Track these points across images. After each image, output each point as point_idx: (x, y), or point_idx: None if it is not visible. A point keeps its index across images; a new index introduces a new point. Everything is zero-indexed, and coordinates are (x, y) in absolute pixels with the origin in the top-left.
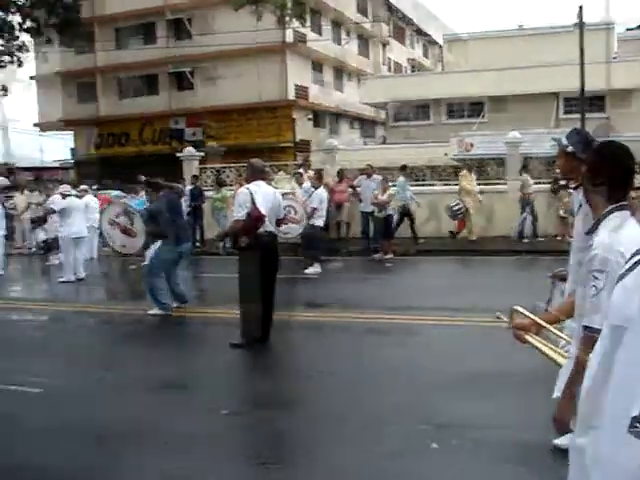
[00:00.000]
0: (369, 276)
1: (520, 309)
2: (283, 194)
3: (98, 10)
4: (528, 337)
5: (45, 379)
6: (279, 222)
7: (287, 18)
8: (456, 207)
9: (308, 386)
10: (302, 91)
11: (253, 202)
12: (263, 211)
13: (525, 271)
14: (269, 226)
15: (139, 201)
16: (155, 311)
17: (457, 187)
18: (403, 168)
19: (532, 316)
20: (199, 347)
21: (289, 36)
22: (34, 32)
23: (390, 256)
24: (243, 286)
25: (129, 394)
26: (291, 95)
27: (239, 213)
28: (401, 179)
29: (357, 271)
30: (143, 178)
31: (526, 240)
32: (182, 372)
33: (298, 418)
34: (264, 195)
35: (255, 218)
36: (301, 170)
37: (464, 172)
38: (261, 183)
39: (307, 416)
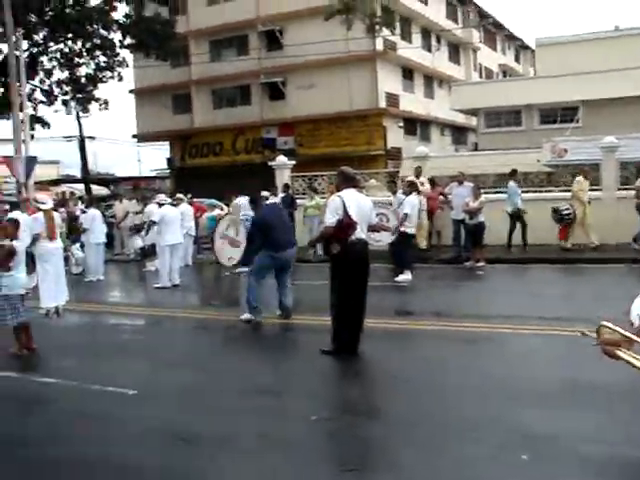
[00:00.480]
0: (460, 284)
1: (608, 325)
2: (375, 202)
3: (193, 24)
4: (620, 352)
5: (141, 381)
6: (371, 229)
7: (377, 27)
8: (566, 211)
9: (397, 393)
10: (393, 99)
11: (345, 209)
12: (354, 218)
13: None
14: (360, 233)
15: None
16: (245, 316)
17: (557, 194)
18: (513, 173)
19: (622, 331)
20: (290, 353)
21: (379, 44)
22: (133, 48)
23: (482, 264)
24: (334, 293)
25: (222, 398)
26: (382, 103)
27: (330, 220)
28: (511, 184)
29: (448, 279)
30: (267, 193)
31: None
32: (273, 377)
33: (386, 425)
34: (356, 202)
35: (346, 225)
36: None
37: (580, 178)
38: (352, 191)
39: (395, 423)
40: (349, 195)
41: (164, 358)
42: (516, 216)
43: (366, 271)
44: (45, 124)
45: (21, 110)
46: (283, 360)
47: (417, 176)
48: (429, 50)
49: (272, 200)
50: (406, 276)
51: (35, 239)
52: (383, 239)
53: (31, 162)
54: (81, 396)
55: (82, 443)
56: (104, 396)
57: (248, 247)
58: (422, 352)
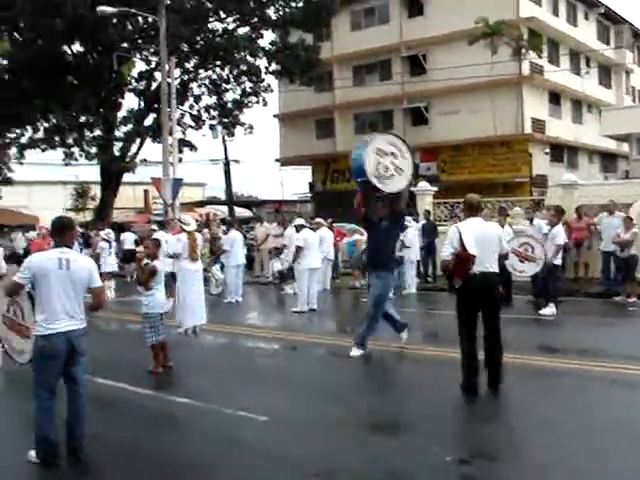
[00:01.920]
0: (609, 320)
1: None
2: (518, 231)
3: (337, 50)
4: None
5: (272, 407)
6: (504, 257)
7: (523, 50)
8: None
9: (535, 436)
10: (539, 124)
11: (461, 242)
12: (472, 251)
13: None
14: (481, 266)
15: None
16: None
17: None
18: None
19: None
20: (425, 387)
21: (525, 68)
22: (278, 74)
23: (633, 299)
24: (459, 328)
25: (353, 431)
26: (527, 129)
27: (445, 253)
28: None
29: (596, 314)
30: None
31: None
32: (407, 412)
33: (523, 470)
34: (476, 233)
35: (463, 259)
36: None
37: None
38: (475, 220)
39: (532, 468)
40: (469, 225)
41: (297, 385)
42: None
43: (492, 305)
44: (193, 147)
45: (171, 134)
46: (417, 394)
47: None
48: (578, 73)
49: (411, 227)
50: (551, 309)
51: (175, 258)
52: (527, 270)
53: (177, 184)
54: (212, 418)
55: (208, 466)
56: (235, 420)
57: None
58: (566, 393)
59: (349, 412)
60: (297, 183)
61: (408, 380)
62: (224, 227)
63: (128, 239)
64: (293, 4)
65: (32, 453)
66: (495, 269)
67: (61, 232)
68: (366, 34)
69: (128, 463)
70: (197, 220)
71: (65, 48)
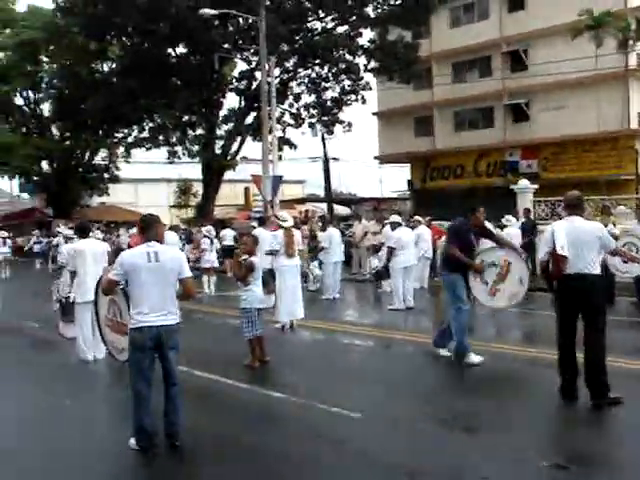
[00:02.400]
0: None
1: None
2: (624, 230)
3: (436, 47)
4: None
5: (365, 404)
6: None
7: (630, 42)
8: None
9: (638, 443)
10: None
11: (553, 241)
12: (561, 251)
13: None
14: (575, 267)
15: None
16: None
17: None
18: None
19: None
20: (523, 389)
21: (632, 61)
22: (377, 72)
23: None
24: (556, 330)
25: (444, 430)
26: (634, 124)
27: (541, 255)
28: None
29: None
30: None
31: None
32: (502, 414)
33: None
34: (569, 232)
35: (554, 259)
36: None
37: None
38: (573, 219)
39: (631, 476)
40: (565, 224)
41: (391, 383)
42: None
43: (591, 308)
44: (292, 145)
45: (270, 132)
46: (513, 396)
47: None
48: None
49: (511, 226)
50: None
51: (273, 255)
52: (632, 270)
53: (277, 181)
54: (306, 413)
55: (299, 460)
56: (328, 416)
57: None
58: None
59: (443, 411)
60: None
61: (504, 381)
62: (321, 224)
63: (228, 235)
64: (392, 1)
65: (132, 441)
66: (593, 270)
67: (148, 228)
68: (465, 30)
69: (222, 453)
70: (295, 217)
71: (169, 50)
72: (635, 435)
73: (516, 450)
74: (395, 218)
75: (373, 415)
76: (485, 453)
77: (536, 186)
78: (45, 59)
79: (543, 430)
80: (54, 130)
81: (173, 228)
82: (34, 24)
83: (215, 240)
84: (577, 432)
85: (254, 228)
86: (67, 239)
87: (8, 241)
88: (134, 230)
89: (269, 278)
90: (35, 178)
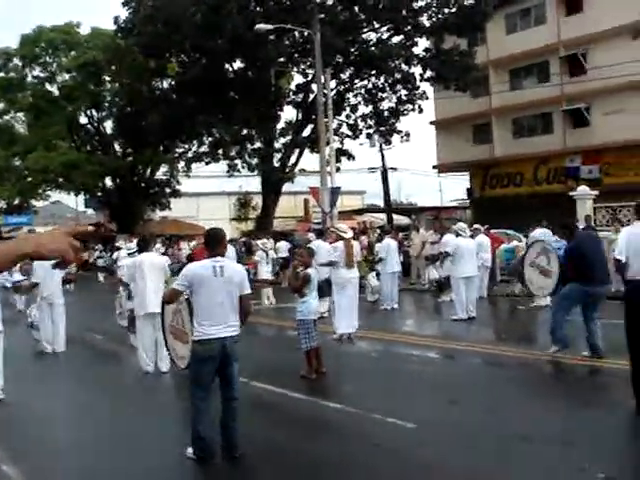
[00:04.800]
0: None
1: None
2: None
3: (492, 54)
4: None
5: (422, 415)
6: None
7: None
8: None
9: None
10: None
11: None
12: (619, 256)
13: None
14: (637, 274)
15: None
16: (553, 349)
17: None
18: None
19: None
20: (589, 400)
21: None
22: (433, 81)
23: None
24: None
25: (500, 442)
26: None
27: (615, 259)
28: None
29: None
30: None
31: None
32: (564, 425)
33: None
34: (632, 239)
35: (616, 265)
36: None
37: None
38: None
39: None
40: (630, 230)
41: (449, 393)
42: None
43: None
44: (350, 157)
45: (328, 144)
46: (578, 407)
47: None
48: None
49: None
50: None
51: (332, 266)
52: None
53: (335, 193)
54: (361, 424)
55: (355, 470)
56: (384, 426)
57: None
58: None
59: (500, 422)
60: (455, 189)
61: (571, 390)
62: (378, 234)
63: (282, 247)
64: (446, 10)
65: (189, 450)
66: None
67: (215, 242)
68: (522, 36)
69: (279, 463)
70: (354, 228)
71: (226, 66)
72: None
73: (574, 461)
74: (460, 225)
75: (428, 425)
76: (539, 465)
77: (596, 192)
78: (107, 78)
79: (605, 443)
80: (116, 147)
81: (231, 242)
82: (96, 46)
83: (271, 252)
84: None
85: (310, 241)
86: (130, 253)
87: None
88: (194, 243)
89: (326, 286)
90: (99, 194)
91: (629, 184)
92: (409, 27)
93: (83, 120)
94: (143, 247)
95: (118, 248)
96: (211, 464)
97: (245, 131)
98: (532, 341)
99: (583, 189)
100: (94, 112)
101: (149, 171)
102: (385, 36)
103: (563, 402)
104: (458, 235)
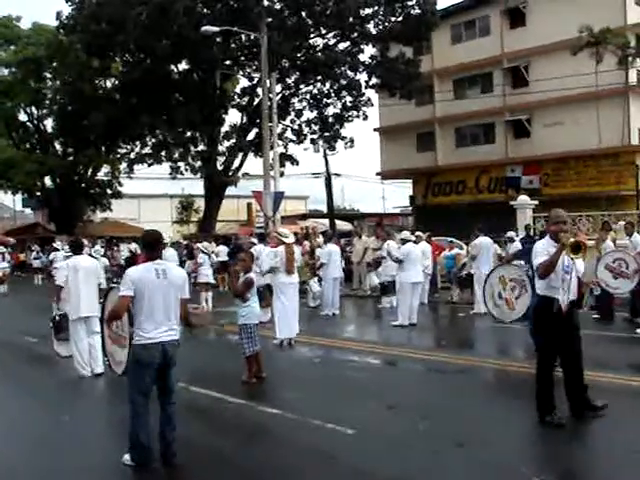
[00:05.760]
0: None
1: None
2: (622, 246)
3: (437, 63)
4: None
5: (361, 421)
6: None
7: (630, 58)
8: None
9: (630, 460)
10: None
11: None
12: None
13: None
14: None
15: None
16: None
17: None
18: None
19: None
20: (524, 406)
21: (632, 77)
22: (378, 88)
23: None
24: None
25: (438, 448)
26: (634, 140)
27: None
28: None
29: None
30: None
31: None
32: (498, 430)
33: None
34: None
35: None
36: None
37: None
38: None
39: None
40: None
41: (388, 399)
42: None
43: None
44: (294, 161)
45: (272, 148)
46: (515, 412)
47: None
48: None
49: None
50: None
51: (272, 272)
52: (622, 287)
53: (278, 197)
54: (300, 430)
55: (293, 477)
56: (322, 432)
57: None
58: None
59: (437, 428)
60: (398, 196)
61: (507, 397)
62: (320, 240)
63: (222, 251)
64: (393, 18)
65: (127, 456)
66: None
67: (153, 245)
68: (467, 47)
69: (217, 469)
70: (297, 233)
71: (171, 67)
72: (627, 452)
73: (509, 466)
74: (405, 234)
75: (367, 431)
76: (476, 470)
77: (536, 202)
78: (48, 76)
79: (538, 447)
80: (57, 146)
81: (173, 245)
82: (38, 41)
83: (212, 255)
84: (571, 449)
85: (254, 244)
86: (66, 255)
87: (7, 256)
88: (134, 245)
89: (267, 293)
90: (38, 194)
91: (568, 195)
92: (356, 34)
93: (22, 117)
94: (76, 250)
95: (56, 249)
96: (148, 470)
97: (189, 133)
98: (472, 348)
99: (523, 199)
100: (34, 109)
101: (90, 171)
102: (332, 42)
103: (500, 408)
104: (406, 242)
